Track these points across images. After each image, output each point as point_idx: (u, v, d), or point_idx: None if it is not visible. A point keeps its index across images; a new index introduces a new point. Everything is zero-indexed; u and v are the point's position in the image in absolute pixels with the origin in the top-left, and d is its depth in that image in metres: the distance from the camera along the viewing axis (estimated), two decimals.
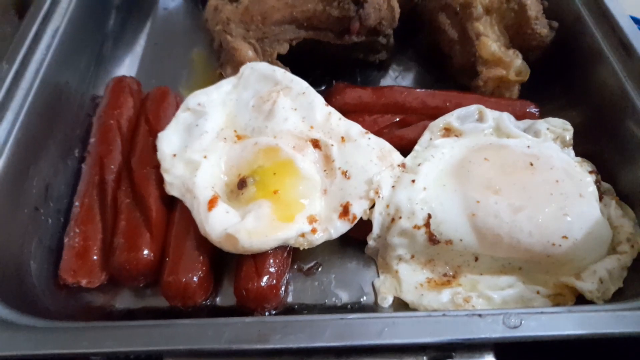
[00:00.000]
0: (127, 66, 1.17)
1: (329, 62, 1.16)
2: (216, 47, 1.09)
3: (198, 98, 0.96)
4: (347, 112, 0.98)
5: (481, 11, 1.02)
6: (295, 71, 1.07)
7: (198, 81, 1.16)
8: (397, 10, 1.05)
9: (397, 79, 1.16)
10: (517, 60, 1.01)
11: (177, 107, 0.98)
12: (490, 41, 1.01)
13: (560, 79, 1.10)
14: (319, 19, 1.04)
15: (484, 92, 1.03)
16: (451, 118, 0.92)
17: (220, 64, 1.07)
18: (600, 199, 0.82)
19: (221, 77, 1.06)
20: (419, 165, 0.84)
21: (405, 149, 0.92)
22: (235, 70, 1.03)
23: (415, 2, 1.19)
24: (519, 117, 0.97)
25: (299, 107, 0.93)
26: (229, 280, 0.82)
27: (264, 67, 0.99)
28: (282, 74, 0.97)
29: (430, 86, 1.13)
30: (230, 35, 1.04)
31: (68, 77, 1.02)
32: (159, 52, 1.21)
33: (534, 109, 0.99)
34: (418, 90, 1.02)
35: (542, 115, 1.00)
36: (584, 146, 0.96)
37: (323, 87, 1.14)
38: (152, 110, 0.98)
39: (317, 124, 0.91)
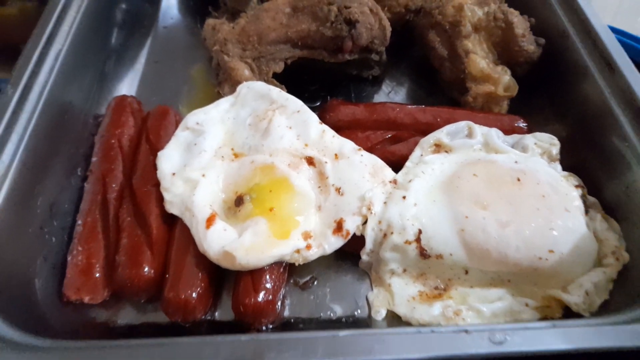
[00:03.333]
0: (129, 84, 1.20)
1: (324, 78, 1.20)
2: (214, 66, 1.13)
3: (197, 117, 0.99)
4: (341, 128, 1.01)
5: (470, 29, 1.06)
6: (291, 87, 1.11)
7: (197, 98, 1.19)
8: (389, 29, 1.09)
9: (390, 94, 1.19)
10: (505, 77, 1.04)
11: (177, 125, 1.02)
12: (479, 58, 1.04)
13: (546, 92, 1.14)
14: (313, 39, 1.07)
15: (474, 107, 1.06)
16: (441, 134, 0.95)
17: (219, 82, 1.11)
18: (586, 212, 0.85)
19: (219, 95, 1.09)
20: (409, 181, 0.87)
21: (397, 165, 0.95)
22: (232, 89, 1.07)
23: (406, 19, 1.22)
24: (507, 131, 1.00)
25: (294, 125, 0.96)
26: (228, 294, 0.85)
27: (260, 86, 1.02)
28: (278, 93, 1.01)
29: (423, 100, 1.17)
30: (228, 55, 1.07)
31: (71, 97, 1.05)
32: (160, 70, 1.24)
33: (522, 124, 1.02)
34: (409, 106, 1.05)
35: (530, 128, 1.03)
36: (571, 159, 0.99)
37: (318, 103, 1.18)
38: (152, 129, 1.01)
39: (311, 141, 0.94)
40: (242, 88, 1.03)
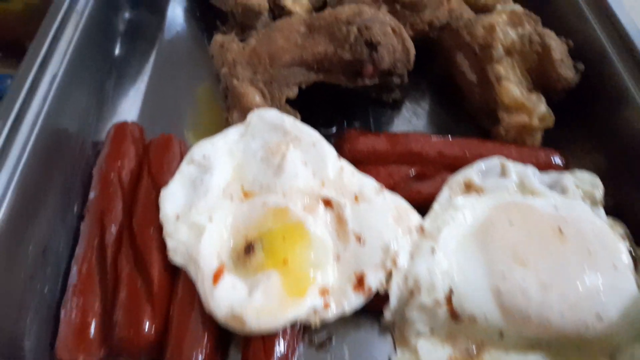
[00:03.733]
0: (130, 106, 1.11)
1: (340, 101, 1.11)
2: (222, 89, 1.04)
3: (203, 149, 0.91)
4: (360, 161, 0.93)
5: (502, 53, 0.96)
6: (305, 112, 1.02)
7: (204, 121, 1.11)
8: (413, 51, 0.99)
9: (412, 119, 1.10)
10: (540, 106, 0.95)
11: (182, 155, 0.94)
12: (512, 85, 0.95)
13: (583, 119, 1.04)
14: (330, 62, 0.98)
15: (506, 139, 0.97)
16: (471, 173, 0.87)
17: (227, 107, 1.02)
18: (635, 268, 0.76)
19: (228, 122, 1.01)
20: (438, 229, 0.79)
21: (423, 205, 0.87)
22: (242, 116, 0.98)
23: (429, 36, 1.13)
24: (543, 167, 0.91)
25: (309, 161, 0.88)
26: (237, 351, 0.77)
27: (272, 115, 0.94)
28: (292, 124, 0.92)
29: (447, 126, 1.08)
30: (237, 79, 0.98)
31: (68, 123, 0.97)
32: (163, 88, 1.15)
33: (559, 160, 0.93)
34: (435, 137, 0.96)
35: (567, 162, 0.95)
36: (612, 197, 0.90)
37: (334, 128, 1.09)
38: (155, 161, 0.93)
39: (328, 179, 0.86)
40: (253, 117, 0.94)
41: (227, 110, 1.02)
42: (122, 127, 0.99)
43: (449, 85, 1.11)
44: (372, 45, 0.94)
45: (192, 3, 1.35)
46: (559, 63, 0.94)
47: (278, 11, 1.23)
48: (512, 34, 0.96)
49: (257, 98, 0.98)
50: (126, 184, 0.90)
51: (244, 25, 1.20)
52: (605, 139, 1.00)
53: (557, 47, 0.94)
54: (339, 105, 1.11)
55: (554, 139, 1.00)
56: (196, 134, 1.07)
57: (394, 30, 0.97)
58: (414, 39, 1.10)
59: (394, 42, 0.96)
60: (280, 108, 1.00)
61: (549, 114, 0.95)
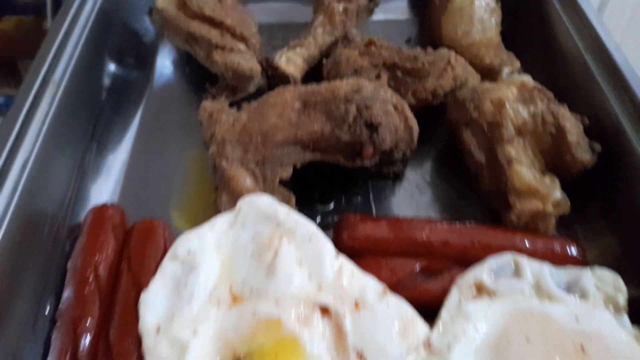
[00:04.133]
0: (111, 181, 1.02)
1: (338, 175, 1.04)
2: (211, 167, 0.96)
3: (188, 243, 0.83)
4: (360, 251, 0.86)
5: (513, 132, 0.89)
6: (300, 188, 0.95)
7: (193, 196, 1.03)
8: (416, 129, 0.92)
9: (415, 194, 1.03)
10: (555, 191, 0.88)
11: (166, 244, 0.86)
12: (524, 169, 0.88)
13: (598, 199, 0.97)
14: (327, 142, 0.91)
15: (517, 226, 0.89)
16: (482, 273, 0.79)
17: (216, 187, 0.94)
18: None
19: (216, 204, 0.93)
20: (448, 347, 0.71)
21: (430, 307, 0.79)
22: (231, 199, 0.91)
23: (433, 105, 1.06)
24: (559, 259, 0.84)
25: (304, 259, 0.80)
26: None
27: (264, 203, 0.86)
28: (286, 214, 0.84)
29: (453, 204, 1.01)
30: (226, 160, 0.91)
31: (42, 207, 0.90)
32: (148, 159, 1.07)
33: (575, 251, 0.86)
34: (440, 224, 0.88)
35: (584, 252, 0.87)
36: (631, 288, 0.83)
37: (332, 205, 1.02)
38: (135, 254, 0.85)
39: (326, 282, 0.78)
40: (243, 205, 0.86)
41: (216, 190, 0.94)
42: (100, 212, 0.91)
43: (454, 155, 1.05)
44: (372, 126, 0.87)
45: (181, 59, 1.28)
46: (575, 146, 0.87)
47: (272, 71, 1.16)
48: (524, 112, 0.89)
49: (248, 181, 0.90)
50: (104, 283, 0.82)
51: (235, 87, 1.13)
52: (621, 220, 0.93)
53: (573, 128, 0.87)
54: (336, 178, 1.04)
55: (565, 219, 0.93)
56: (183, 214, 0.99)
57: (395, 108, 0.90)
58: (416, 107, 1.04)
59: (395, 121, 0.89)
60: (273, 191, 0.92)
61: (564, 200, 0.88)
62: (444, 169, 1.07)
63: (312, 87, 0.93)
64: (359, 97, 0.88)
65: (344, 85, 0.90)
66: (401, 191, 1.04)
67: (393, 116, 0.89)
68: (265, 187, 0.92)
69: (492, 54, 1.13)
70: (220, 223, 0.86)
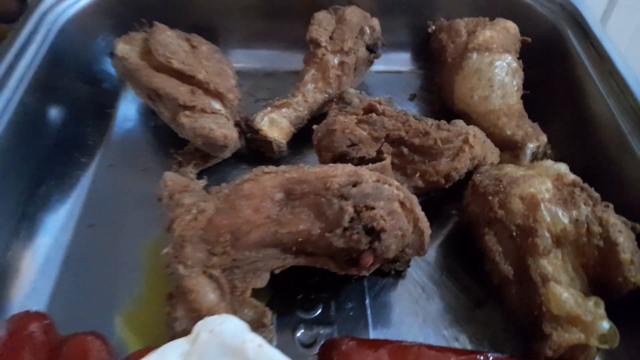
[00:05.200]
0: (41, 275, 0.81)
1: (326, 271, 0.84)
2: (165, 267, 0.76)
3: None
4: None
5: (550, 242, 0.71)
6: (278, 285, 0.76)
7: (144, 299, 0.82)
8: (428, 233, 0.73)
9: (420, 300, 0.84)
10: (602, 322, 0.69)
11: None
12: (563, 289, 0.69)
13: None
14: (315, 245, 0.72)
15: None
16: None
17: (170, 294, 0.74)
18: None
19: (170, 316, 0.73)
20: None
21: None
22: (188, 317, 0.71)
23: (444, 188, 0.88)
24: None
25: None
26: None
27: (230, 331, 0.65)
28: (256, 350, 0.64)
29: (468, 316, 0.83)
30: (184, 265, 0.71)
31: None
32: (91, 246, 0.86)
33: None
34: (450, 352, 0.70)
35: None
36: None
37: (319, 310, 0.82)
38: None
39: None
40: (202, 331, 0.66)
41: (169, 298, 0.74)
42: (20, 323, 0.70)
43: (468, 243, 0.86)
44: (373, 232, 0.68)
45: (147, 111, 1.08)
46: (628, 266, 0.69)
47: (252, 135, 0.97)
48: (564, 219, 0.71)
49: (211, 296, 0.70)
50: None
51: (205, 155, 0.94)
52: None
53: (626, 242, 0.69)
54: (324, 275, 0.84)
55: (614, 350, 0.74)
56: (131, 323, 0.79)
57: (403, 206, 0.71)
58: (424, 191, 0.85)
59: (403, 223, 0.70)
60: (243, 304, 0.73)
61: (612, 331, 0.69)
62: (455, 263, 0.88)
63: (298, 172, 0.74)
64: (358, 192, 0.69)
65: (338, 174, 0.71)
66: (404, 294, 0.84)
67: (400, 217, 0.70)
68: (234, 300, 0.72)
69: (513, 125, 0.95)
70: (171, 353, 0.66)
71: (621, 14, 1.44)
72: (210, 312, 0.70)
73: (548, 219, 0.71)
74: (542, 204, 0.71)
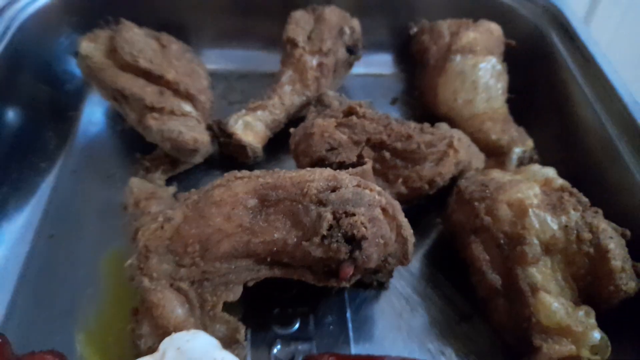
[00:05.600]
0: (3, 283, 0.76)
1: (303, 282, 0.79)
2: (129, 279, 0.70)
3: None
4: None
5: (539, 250, 0.67)
6: (253, 297, 0.71)
7: (106, 314, 0.76)
8: (411, 241, 0.69)
9: (404, 313, 0.79)
10: (593, 332, 0.66)
11: None
12: (553, 300, 0.66)
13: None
14: (292, 256, 0.67)
15: None
16: None
17: (135, 310, 0.68)
18: None
19: (135, 332, 0.67)
20: None
21: None
22: (154, 334, 0.65)
23: (429, 195, 0.84)
24: None
25: None
26: None
27: (198, 349, 0.60)
28: None
29: (452, 330, 0.78)
30: (150, 278, 0.65)
31: None
32: (51, 257, 0.80)
33: None
34: None
35: None
36: None
37: (296, 325, 0.77)
38: None
39: None
40: (169, 349, 0.60)
41: (134, 314, 0.68)
42: None
43: (452, 252, 0.82)
44: (354, 240, 0.63)
45: (114, 113, 1.02)
46: (619, 274, 0.65)
47: (224, 138, 0.92)
48: (552, 223, 0.67)
49: (179, 311, 0.65)
50: None
51: (174, 160, 0.89)
52: None
53: (617, 249, 0.66)
54: (304, 288, 0.79)
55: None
56: (92, 340, 0.73)
57: (385, 212, 0.67)
58: (408, 198, 0.81)
59: (385, 231, 0.66)
60: (214, 319, 0.67)
61: (604, 342, 0.66)
62: (440, 274, 0.84)
63: (273, 177, 0.69)
64: (337, 198, 0.64)
65: (316, 179, 0.67)
66: (387, 307, 0.80)
67: (382, 224, 0.65)
68: (204, 315, 0.67)
69: (498, 129, 0.92)
70: None
71: (605, 12, 1.44)
72: (178, 328, 0.64)
73: (537, 225, 0.67)
74: (530, 210, 0.68)
